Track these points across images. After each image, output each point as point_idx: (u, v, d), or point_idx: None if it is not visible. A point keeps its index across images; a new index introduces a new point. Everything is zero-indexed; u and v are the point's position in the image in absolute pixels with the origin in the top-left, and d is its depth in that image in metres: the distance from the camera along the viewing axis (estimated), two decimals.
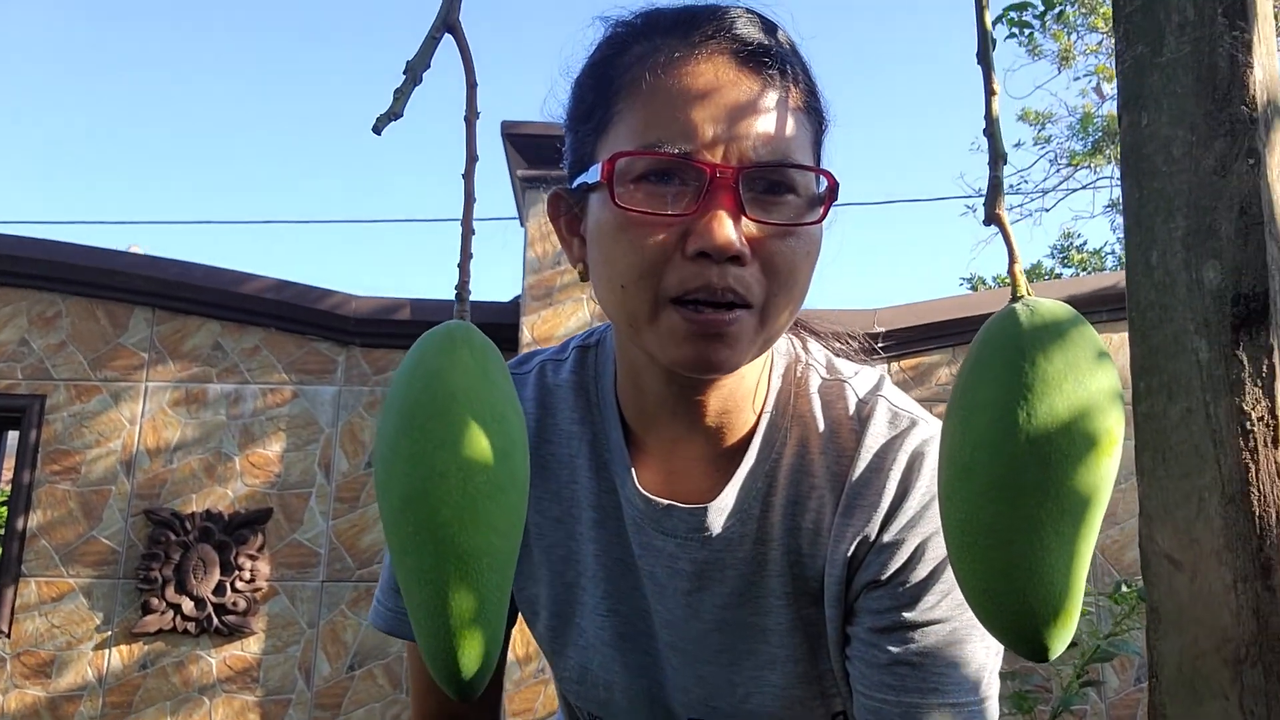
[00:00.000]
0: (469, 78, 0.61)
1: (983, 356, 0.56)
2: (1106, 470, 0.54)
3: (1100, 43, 13.64)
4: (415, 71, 0.59)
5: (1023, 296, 0.58)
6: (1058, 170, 16.21)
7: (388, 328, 4.68)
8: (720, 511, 0.87)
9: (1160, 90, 0.49)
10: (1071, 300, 4.60)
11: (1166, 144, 0.49)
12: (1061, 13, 3.12)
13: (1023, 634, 0.53)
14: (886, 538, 0.84)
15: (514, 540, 0.53)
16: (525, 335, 4.47)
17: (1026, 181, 16.59)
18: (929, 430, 0.88)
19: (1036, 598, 0.52)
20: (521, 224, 4.80)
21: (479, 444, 0.51)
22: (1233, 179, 0.47)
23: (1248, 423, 0.45)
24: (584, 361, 0.96)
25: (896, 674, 0.83)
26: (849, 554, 0.85)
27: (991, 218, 0.61)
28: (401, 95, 0.59)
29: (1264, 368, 0.45)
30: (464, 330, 0.56)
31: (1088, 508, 0.53)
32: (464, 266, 0.59)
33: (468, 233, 0.59)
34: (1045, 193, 16.17)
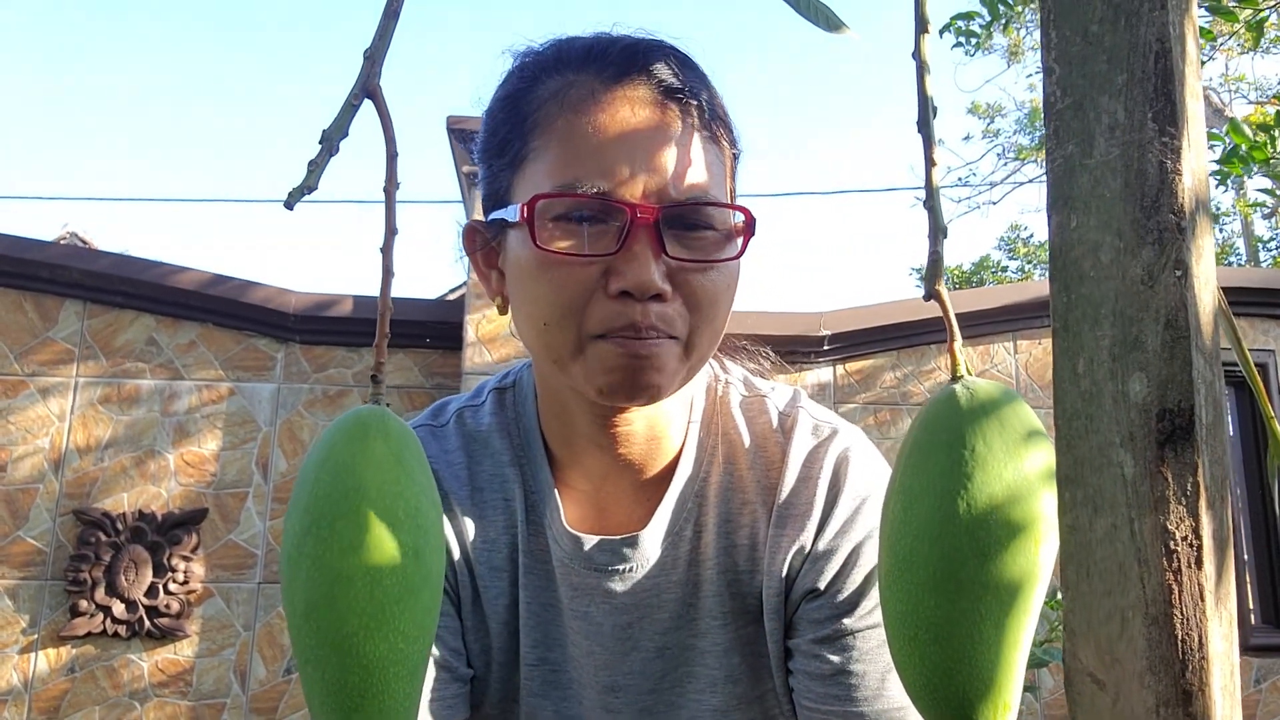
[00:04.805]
0: (389, 148, 0.58)
1: (922, 440, 0.56)
2: (1043, 559, 0.54)
3: None
4: (332, 141, 0.56)
5: (962, 377, 0.57)
6: (1005, 164, 16.49)
7: (328, 324, 4.60)
8: (652, 538, 0.87)
9: (1089, 193, 0.49)
10: (1014, 306, 4.66)
11: (1095, 249, 0.48)
12: (1007, 25, 3.15)
13: None
14: (821, 546, 0.85)
15: (425, 642, 0.51)
16: (469, 334, 4.42)
17: (975, 175, 16.85)
18: (850, 437, 0.90)
19: (977, 695, 0.52)
20: (468, 218, 4.74)
21: (389, 544, 0.49)
22: (1159, 290, 0.46)
23: (1171, 542, 0.44)
24: (502, 403, 0.95)
25: (840, 684, 0.83)
26: (785, 565, 0.86)
27: (931, 293, 0.60)
28: (316, 167, 0.55)
29: (1188, 486, 0.44)
30: (378, 417, 0.53)
31: (1027, 598, 0.53)
32: (380, 347, 0.56)
33: (385, 310, 0.57)
34: (993, 185, 16.44)
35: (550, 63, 0.81)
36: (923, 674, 0.53)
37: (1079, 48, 0.49)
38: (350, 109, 0.57)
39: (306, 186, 0.56)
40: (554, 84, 0.80)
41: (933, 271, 0.59)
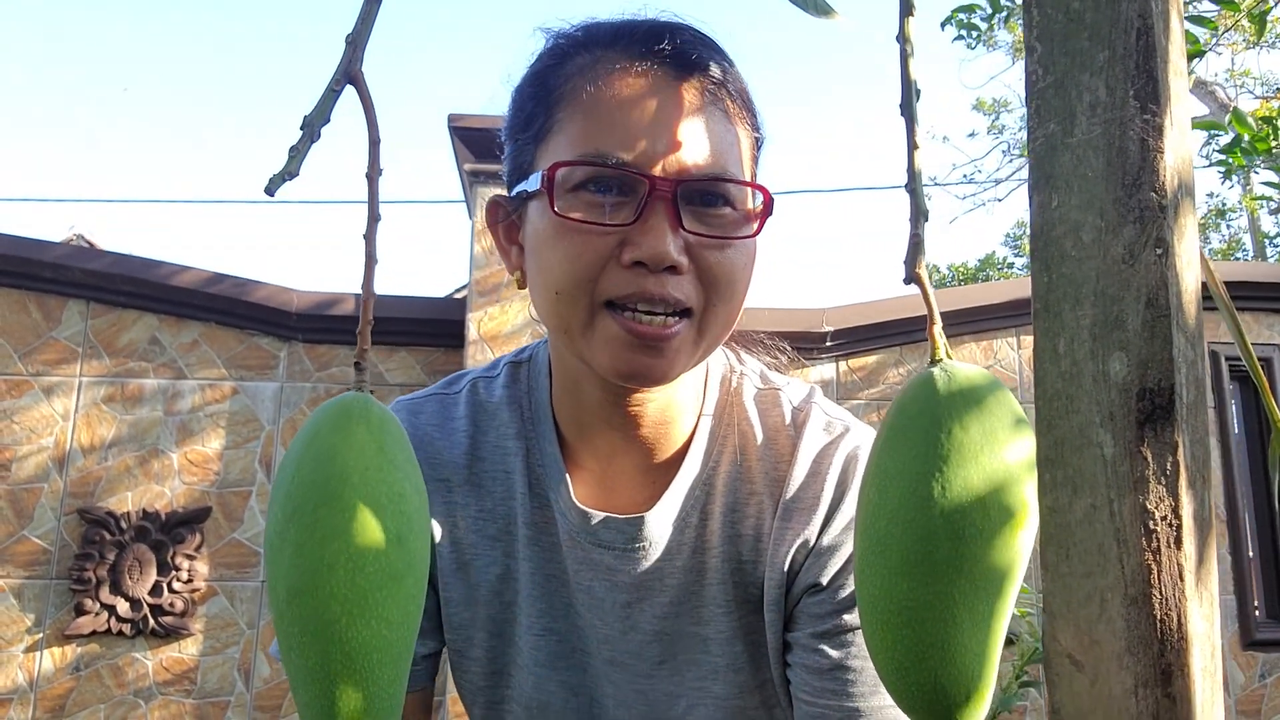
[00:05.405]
0: (371, 134, 0.58)
1: (898, 424, 0.55)
2: (1020, 545, 0.53)
3: None
4: (313, 127, 0.56)
5: (941, 360, 0.57)
6: (1010, 160, 16.43)
7: (330, 323, 4.60)
8: (658, 521, 0.87)
9: (1071, 172, 0.48)
10: (1019, 301, 4.63)
11: (1076, 228, 0.48)
12: (1009, 18, 3.15)
13: (935, 716, 0.53)
14: (825, 541, 0.85)
15: (409, 628, 0.51)
16: (471, 332, 4.42)
17: (980, 171, 16.80)
18: (862, 436, 0.90)
19: (949, 679, 0.52)
20: (469, 217, 4.75)
21: (372, 530, 0.49)
22: (1140, 268, 0.46)
23: (1151, 522, 0.44)
24: (516, 377, 0.96)
25: (838, 679, 0.84)
26: (788, 558, 0.86)
27: (911, 277, 0.60)
28: (298, 153, 0.55)
29: (1168, 465, 0.44)
30: (361, 403, 0.53)
31: (1002, 584, 0.53)
32: (363, 333, 0.56)
33: (368, 296, 0.57)
34: (998, 182, 16.38)
35: (580, 41, 0.83)
36: (895, 657, 0.52)
37: (1061, 25, 0.49)
38: (332, 94, 0.57)
39: (287, 172, 0.56)
40: (581, 60, 0.81)
41: (913, 254, 0.59)
